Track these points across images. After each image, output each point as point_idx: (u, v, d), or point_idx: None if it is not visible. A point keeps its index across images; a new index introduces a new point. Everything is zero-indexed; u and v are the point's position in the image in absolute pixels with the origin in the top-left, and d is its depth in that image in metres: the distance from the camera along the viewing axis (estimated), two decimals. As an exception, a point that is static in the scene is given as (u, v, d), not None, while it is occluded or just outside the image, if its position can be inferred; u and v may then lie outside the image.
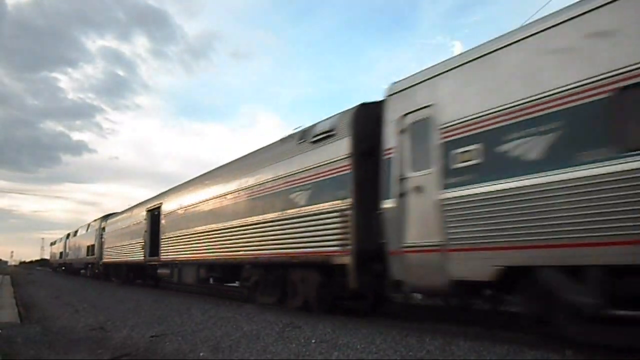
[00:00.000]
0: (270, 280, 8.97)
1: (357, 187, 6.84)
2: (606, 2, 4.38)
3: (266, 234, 8.70)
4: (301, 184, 7.95)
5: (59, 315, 8.48)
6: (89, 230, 24.96)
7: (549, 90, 4.68)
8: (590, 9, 4.50)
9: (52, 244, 45.79)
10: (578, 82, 4.46)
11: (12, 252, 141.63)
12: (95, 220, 24.09)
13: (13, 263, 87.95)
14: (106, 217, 22.33)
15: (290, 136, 8.92)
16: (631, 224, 3.94)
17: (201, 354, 4.89)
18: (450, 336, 5.25)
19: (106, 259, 20.73)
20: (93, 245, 23.09)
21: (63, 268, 34.55)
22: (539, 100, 4.74)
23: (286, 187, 8.35)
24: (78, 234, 28.24)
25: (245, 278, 9.85)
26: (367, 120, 7.08)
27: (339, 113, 7.70)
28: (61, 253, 34.57)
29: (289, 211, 8.16)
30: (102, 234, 21.70)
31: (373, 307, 7.74)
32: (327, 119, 8.02)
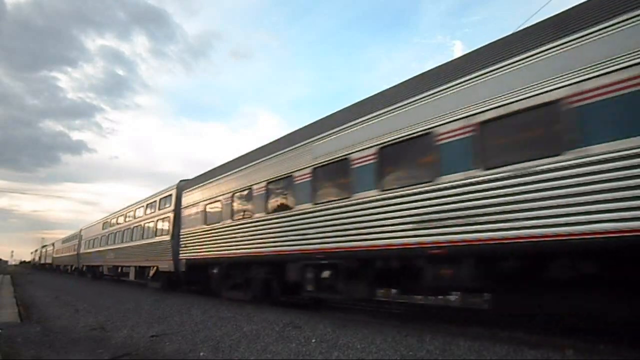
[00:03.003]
0: None
1: None
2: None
3: None
4: None
5: (59, 315, 8.48)
6: (44, 246, 56.27)
7: None
8: None
9: (31, 252, 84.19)
10: None
11: (12, 251, 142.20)
12: (43, 245, 56.92)
13: (13, 263, 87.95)
14: (44, 246, 51.41)
15: None
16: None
17: (201, 354, 4.89)
18: (450, 336, 5.25)
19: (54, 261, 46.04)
20: (40, 256, 56.77)
21: (37, 265, 65.19)
22: None
23: None
24: (40, 249, 60.59)
25: None
26: None
27: None
28: (33, 258, 74.17)
29: None
30: (52, 247, 46.26)
31: None
32: None
